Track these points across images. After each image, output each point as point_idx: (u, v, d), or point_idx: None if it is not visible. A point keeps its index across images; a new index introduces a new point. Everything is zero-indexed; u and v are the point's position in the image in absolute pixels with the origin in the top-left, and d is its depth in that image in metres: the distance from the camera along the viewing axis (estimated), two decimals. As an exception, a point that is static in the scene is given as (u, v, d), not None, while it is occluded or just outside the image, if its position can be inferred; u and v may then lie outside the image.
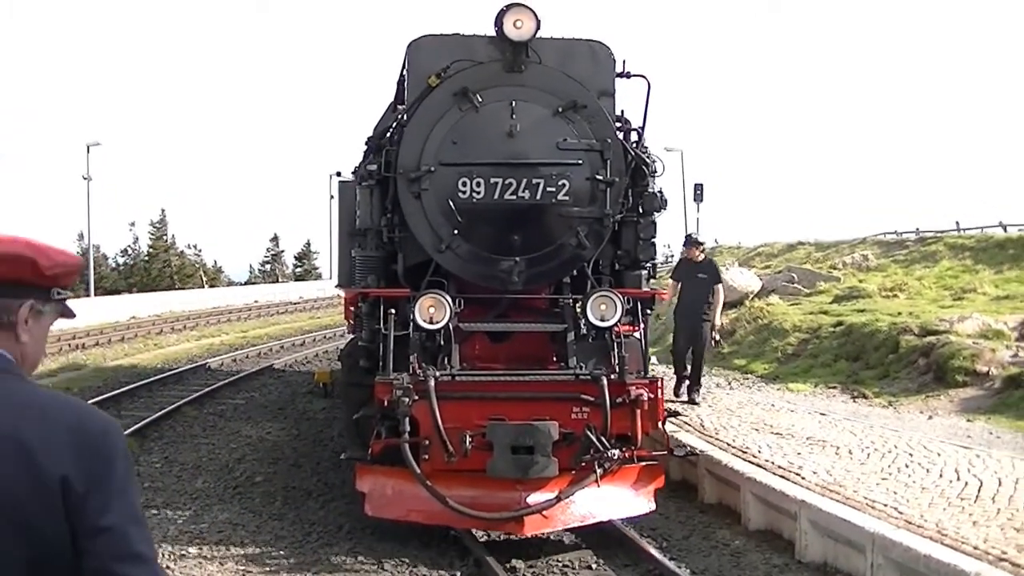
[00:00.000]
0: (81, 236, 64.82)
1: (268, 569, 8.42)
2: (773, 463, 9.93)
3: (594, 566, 8.48)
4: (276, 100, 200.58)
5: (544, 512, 8.38)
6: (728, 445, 10.83)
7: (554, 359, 9.90)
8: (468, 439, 8.28)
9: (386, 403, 8.32)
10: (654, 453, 9.14)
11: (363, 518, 8.97)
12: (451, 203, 9.10)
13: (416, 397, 8.22)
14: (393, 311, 8.84)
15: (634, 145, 9.73)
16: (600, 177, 9.22)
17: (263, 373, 22.78)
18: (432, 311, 8.84)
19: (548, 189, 9.12)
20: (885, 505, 8.34)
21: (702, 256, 14.52)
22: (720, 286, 14.36)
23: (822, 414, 13.44)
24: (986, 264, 24.92)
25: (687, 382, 14.34)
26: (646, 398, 8.64)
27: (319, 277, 74.40)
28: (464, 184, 9.08)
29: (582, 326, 9.35)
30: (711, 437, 11.36)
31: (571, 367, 9.07)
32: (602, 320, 9.06)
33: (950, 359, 15.22)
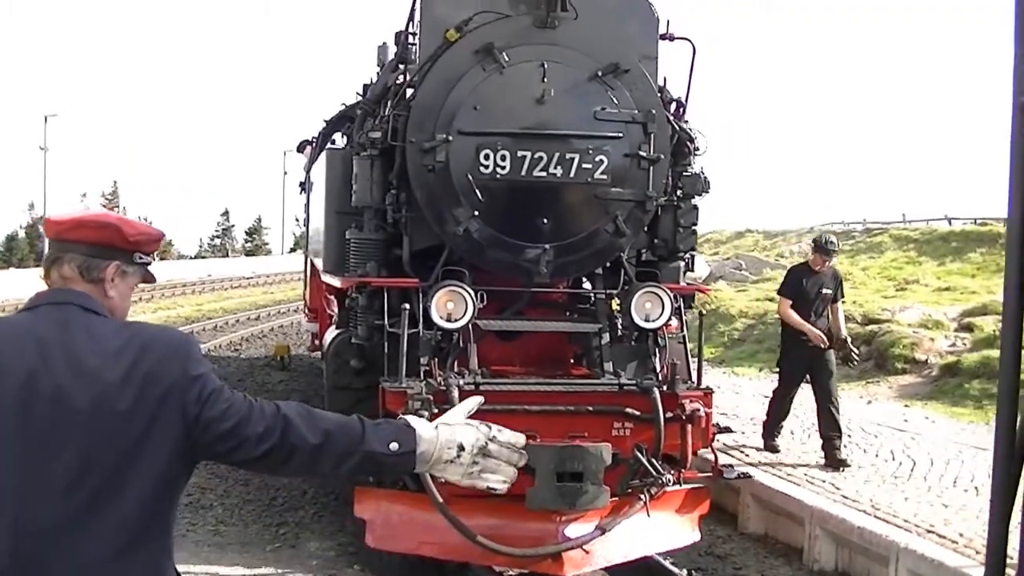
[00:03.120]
0: (32, 206, 61.10)
1: (238, 528, 8.27)
2: (719, 441, 9.17)
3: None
4: (228, 73, 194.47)
5: (586, 547, 6.42)
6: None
7: (571, 361, 7.96)
8: None
9: (399, 415, 6.25)
10: (699, 475, 7.24)
11: (325, 485, 8.44)
12: (470, 178, 7.01)
13: (436, 409, 6.17)
14: (407, 305, 6.73)
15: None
16: (643, 153, 7.20)
17: (220, 346, 21.11)
18: (451, 306, 6.78)
19: (584, 166, 7.07)
20: (823, 481, 8.49)
21: (826, 266, 9.70)
22: (840, 305, 9.90)
23: (766, 396, 12.53)
24: (929, 256, 24.59)
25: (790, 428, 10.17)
26: (702, 413, 6.70)
27: (269, 253, 71.35)
28: (487, 157, 6.98)
29: (619, 326, 7.39)
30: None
31: (605, 373, 7.11)
32: (647, 320, 7.10)
33: (890, 347, 15.14)
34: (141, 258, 2.53)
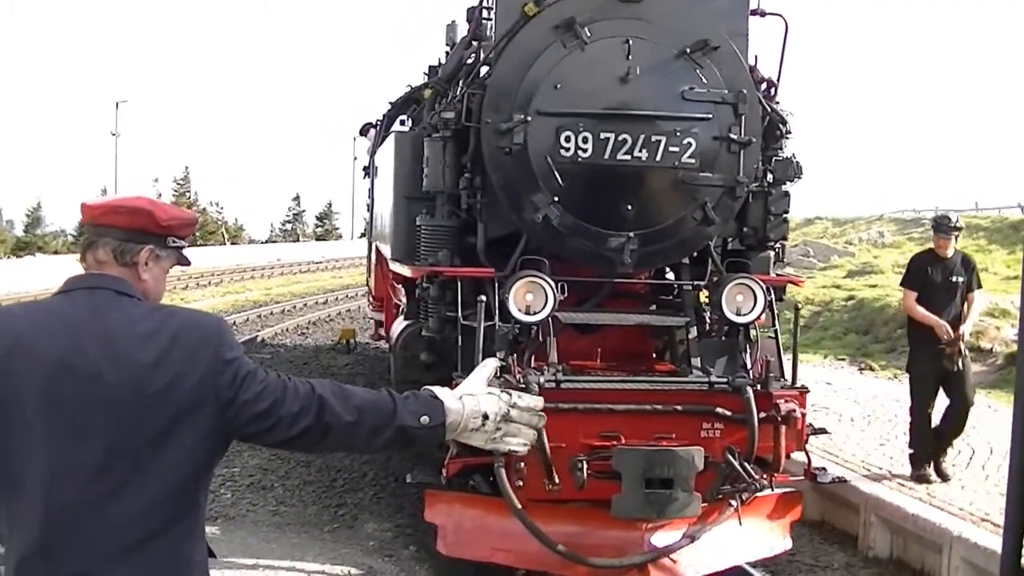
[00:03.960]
0: (104, 192, 61.40)
1: (297, 508, 8.27)
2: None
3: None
4: (301, 59, 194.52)
5: (674, 557, 5.85)
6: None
7: (653, 355, 7.36)
8: (583, 466, 5.69)
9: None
10: (791, 479, 6.62)
11: (387, 467, 8.45)
12: (550, 162, 6.42)
13: None
14: (483, 297, 6.17)
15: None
16: (733, 136, 6.55)
17: (287, 329, 20.87)
18: (530, 298, 6.22)
19: (670, 149, 6.43)
20: (880, 468, 8.40)
21: (953, 250, 8.34)
22: (978, 294, 8.37)
23: (828, 383, 12.94)
24: (1000, 244, 23.49)
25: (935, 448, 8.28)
26: (798, 414, 6.09)
27: (339, 238, 71.14)
28: (567, 139, 6.38)
29: (706, 319, 6.79)
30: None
31: (693, 370, 6.51)
32: (738, 313, 6.48)
33: (955, 335, 14.13)
34: (175, 242, 2.54)
